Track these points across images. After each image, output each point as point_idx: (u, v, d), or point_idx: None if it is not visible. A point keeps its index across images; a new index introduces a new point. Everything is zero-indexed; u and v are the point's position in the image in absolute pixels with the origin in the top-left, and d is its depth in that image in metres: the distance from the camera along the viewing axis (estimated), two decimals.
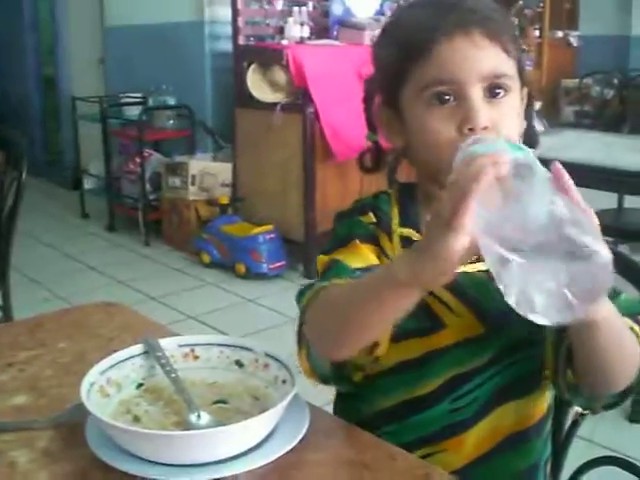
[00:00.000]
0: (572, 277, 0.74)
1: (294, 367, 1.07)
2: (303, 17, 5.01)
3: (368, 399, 1.17)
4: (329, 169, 4.46)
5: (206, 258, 4.65)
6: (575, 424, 1.31)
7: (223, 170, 4.99)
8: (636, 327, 1.01)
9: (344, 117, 4.15)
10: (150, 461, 0.93)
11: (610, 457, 1.29)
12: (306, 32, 4.97)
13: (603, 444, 2.52)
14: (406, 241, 1.12)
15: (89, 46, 6.54)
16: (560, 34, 8.40)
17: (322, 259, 1.11)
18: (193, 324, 3.77)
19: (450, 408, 1.11)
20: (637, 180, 2.85)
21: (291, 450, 0.96)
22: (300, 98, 4.45)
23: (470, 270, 1.08)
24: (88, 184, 6.02)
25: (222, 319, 3.83)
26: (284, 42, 4.81)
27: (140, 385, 1.10)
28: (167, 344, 1.14)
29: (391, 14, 1.27)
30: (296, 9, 5.01)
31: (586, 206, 0.80)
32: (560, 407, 1.27)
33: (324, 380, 1.09)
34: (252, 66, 4.62)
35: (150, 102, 5.47)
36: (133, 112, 5.37)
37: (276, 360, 1.10)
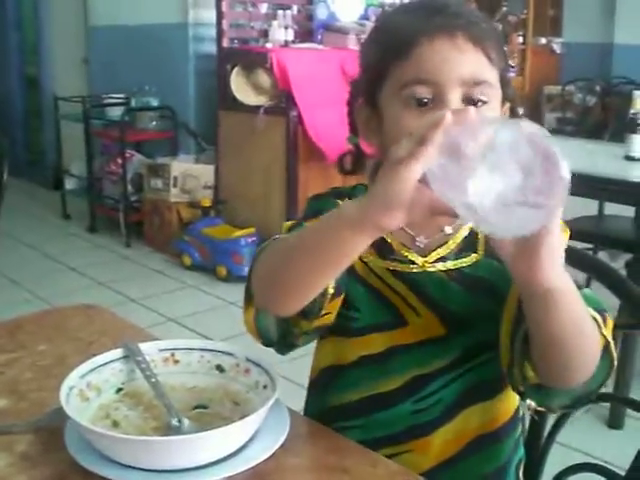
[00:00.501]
0: (532, 186, 0.75)
1: (275, 372, 1.06)
2: (287, 20, 5.01)
3: (335, 391, 1.18)
4: (312, 172, 4.46)
5: (187, 260, 4.64)
6: (554, 430, 1.31)
7: (205, 172, 4.98)
8: (599, 317, 0.99)
9: (327, 120, 4.15)
10: (129, 466, 0.93)
11: (589, 464, 1.30)
12: (290, 35, 4.98)
13: (583, 450, 2.53)
14: None
15: (72, 46, 6.50)
16: (543, 41, 8.44)
17: (286, 225, 1.12)
18: (173, 327, 3.76)
19: (413, 409, 1.12)
20: (618, 187, 2.86)
21: (271, 456, 0.96)
22: (284, 101, 4.46)
23: (431, 270, 1.09)
24: (69, 184, 5.99)
25: (202, 322, 3.82)
26: (268, 45, 4.82)
27: (120, 389, 1.09)
28: (147, 348, 1.13)
29: (378, 17, 1.27)
30: (280, 12, 5.02)
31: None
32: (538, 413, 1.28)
33: (268, 344, 1.09)
34: (236, 69, 4.62)
35: (133, 103, 5.45)
36: (116, 113, 5.35)
37: (257, 365, 1.09)
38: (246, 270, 1.07)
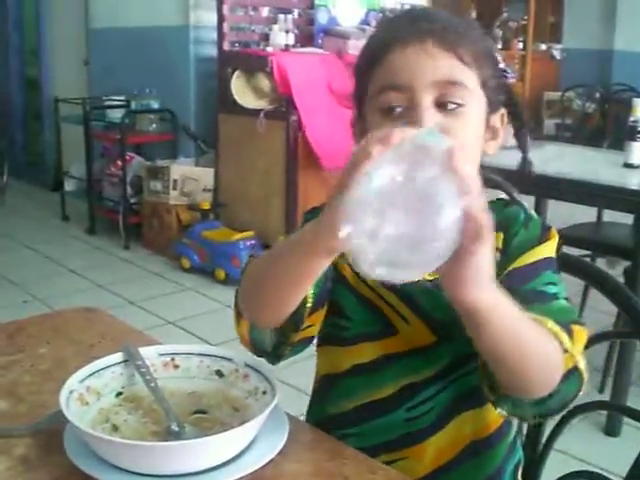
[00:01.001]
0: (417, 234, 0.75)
1: (275, 378, 1.07)
2: (288, 24, 5.02)
3: (332, 400, 1.20)
4: (311, 176, 4.47)
5: (186, 263, 4.64)
6: (551, 437, 1.31)
7: (205, 175, 4.99)
8: (563, 334, 0.96)
9: (327, 125, 4.17)
10: (128, 471, 0.93)
11: (586, 471, 1.30)
12: (291, 40, 4.99)
13: (580, 457, 2.54)
14: None
15: (73, 47, 6.51)
16: (544, 47, 8.46)
17: (280, 238, 1.14)
18: (172, 329, 3.76)
19: (407, 416, 1.13)
20: (616, 195, 2.87)
21: (270, 461, 0.97)
22: (284, 105, 4.46)
23: (420, 279, 1.10)
24: (69, 186, 5.98)
25: (201, 325, 3.82)
26: (269, 49, 4.83)
27: (119, 394, 1.09)
28: (147, 353, 1.13)
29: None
30: (281, 16, 5.02)
31: (474, 186, 0.76)
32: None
33: (260, 354, 1.11)
34: (236, 72, 4.63)
35: (133, 105, 5.46)
36: (116, 115, 5.35)
37: (256, 371, 1.10)
38: None
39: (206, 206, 4.78)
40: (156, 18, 5.53)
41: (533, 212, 1.15)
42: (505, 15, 8.04)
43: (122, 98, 5.57)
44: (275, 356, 1.10)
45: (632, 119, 3.18)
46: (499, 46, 7.71)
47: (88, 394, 1.05)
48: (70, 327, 1.44)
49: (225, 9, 4.78)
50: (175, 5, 5.39)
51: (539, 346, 0.93)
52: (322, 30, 5.11)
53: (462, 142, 1.01)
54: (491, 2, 8.74)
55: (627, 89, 6.24)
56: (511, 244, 1.09)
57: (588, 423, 2.84)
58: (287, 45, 4.95)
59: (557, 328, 0.96)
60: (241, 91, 4.61)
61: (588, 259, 3.28)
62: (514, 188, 2.35)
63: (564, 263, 1.30)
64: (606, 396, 2.90)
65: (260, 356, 1.12)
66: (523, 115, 1.20)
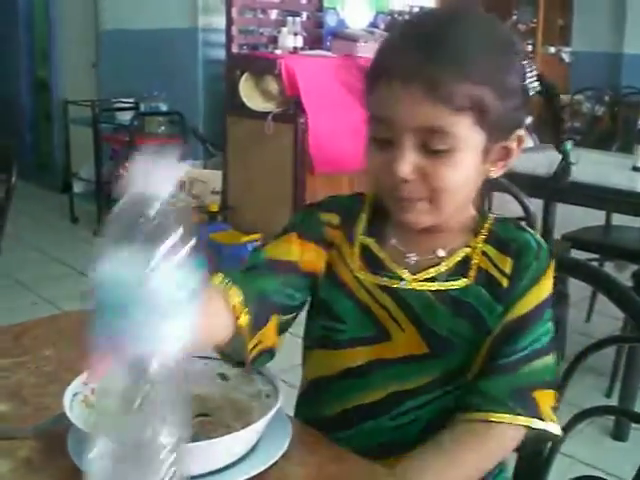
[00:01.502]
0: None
1: (278, 381, 1.07)
2: (297, 27, 5.02)
3: (322, 403, 1.20)
4: (319, 179, 4.46)
5: None
6: (554, 447, 1.31)
7: (213, 178, 4.99)
8: (506, 416, 1.04)
9: (333, 129, 4.17)
10: None
11: (593, 477, 1.29)
12: (299, 42, 4.98)
13: (586, 462, 2.53)
14: (366, 250, 1.14)
15: (83, 50, 6.53)
16: (553, 50, 8.45)
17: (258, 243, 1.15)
18: None
19: (393, 424, 1.13)
20: (625, 198, 2.86)
21: (274, 464, 0.96)
22: (292, 108, 4.46)
23: (419, 288, 1.10)
24: (78, 188, 6.00)
25: None
26: (277, 52, 4.83)
27: None
28: None
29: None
30: (290, 19, 5.02)
31: None
32: None
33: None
34: (245, 75, 4.63)
35: (142, 108, 5.47)
36: (125, 117, 5.37)
37: (260, 374, 1.10)
38: None
39: (214, 208, 4.78)
40: (165, 21, 5.54)
41: (540, 238, 1.14)
42: (514, 18, 8.03)
43: (131, 100, 5.58)
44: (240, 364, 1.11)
45: None
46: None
47: (92, 396, 1.05)
48: (76, 329, 1.44)
49: (234, 12, 4.78)
50: (184, 8, 5.41)
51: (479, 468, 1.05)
52: (331, 33, 5.10)
53: (447, 187, 1.02)
54: (500, 5, 8.71)
55: (636, 92, 6.24)
56: (522, 276, 1.09)
57: (595, 427, 2.83)
58: (295, 48, 4.94)
59: (501, 414, 1.04)
60: (249, 94, 4.61)
61: (596, 263, 3.28)
62: (522, 192, 2.35)
63: (572, 268, 1.30)
64: (614, 401, 2.89)
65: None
66: (562, 124, 1.19)
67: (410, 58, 0.99)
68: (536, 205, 2.62)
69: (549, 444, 1.29)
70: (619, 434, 2.82)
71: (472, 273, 1.10)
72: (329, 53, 4.95)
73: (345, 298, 1.13)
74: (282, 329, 1.11)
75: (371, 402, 1.14)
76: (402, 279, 1.11)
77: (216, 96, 5.22)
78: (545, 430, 1.06)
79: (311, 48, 5.06)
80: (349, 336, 1.14)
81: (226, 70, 4.88)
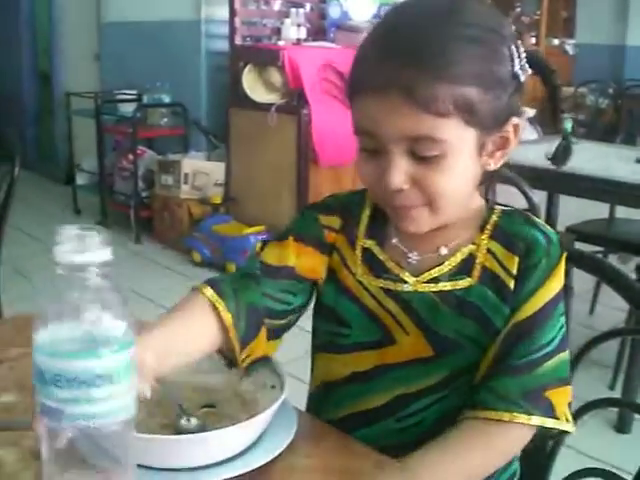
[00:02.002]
0: None
1: (284, 373, 1.07)
2: (300, 18, 5.01)
3: (327, 408, 1.19)
4: (322, 171, 4.46)
5: (197, 257, 4.64)
6: (558, 441, 1.30)
7: (216, 169, 4.99)
8: (520, 416, 1.02)
9: (336, 122, 4.15)
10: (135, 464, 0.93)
11: (597, 469, 1.29)
12: (303, 34, 4.98)
13: (590, 454, 2.53)
14: (368, 253, 1.13)
15: (85, 42, 6.52)
16: (556, 42, 8.44)
17: (257, 246, 1.16)
18: None
19: (397, 427, 1.12)
20: (629, 190, 2.86)
21: (279, 456, 0.96)
22: (295, 99, 4.46)
23: (422, 290, 1.09)
24: (81, 180, 6.00)
25: None
26: (280, 43, 4.82)
27: None
28: None
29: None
30: (293, 10, 5.02)
31: None
32: None
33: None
34: (248, 66, 4.62)
35: (145, 99, 5.45)
36: (127, 109, 5.35)
37: (266, 365, 1.10)
38: None
39: (217, 200, 4.79)
40: (168, 12, 5.53)
41: (549, 229, 1.10)
42: (518, 10, 8.02)
43: (134, 92, 5.56)
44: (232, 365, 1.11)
45: None
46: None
47: None
48: None
49: (237, 3, 4.77)
50: None
51: (487, 466, 1.04)
52: (334, 24, 5.09)
53: (443, 192, 1.00)
54: None
55: None
56: (530, 276, 1.06)
57: (599, 420, 2.83)
58: (299, 39, 4.94)
59: (513, 410, 1.01)
60: (252, 85, 4.61)
61: (600, 255, 3.27)
62: (525, 183, 2.34)
63: (577, 259, 1.29)
64: (617, 393, 2.89)
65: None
66: (559, 103, 1.17)
67: (384, 66, 0.95)
68: (540, 197, 2.61)
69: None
70: (622, 426, 2.82)
71: (476, 273, 1.08)
72: (332, 45, 4.94)
73: (349, 303, 1.12)
74: (276, 334, 1.11)
75: (377, 406, 1.13)
76: (405, 282, 1.09)
77: (219, 88, 5.21)
78: (558, 429, 1.04)
79: (314, 40, 5.05)
80: (354, 341, 1.13)
81: (229, 62, 4.87)
